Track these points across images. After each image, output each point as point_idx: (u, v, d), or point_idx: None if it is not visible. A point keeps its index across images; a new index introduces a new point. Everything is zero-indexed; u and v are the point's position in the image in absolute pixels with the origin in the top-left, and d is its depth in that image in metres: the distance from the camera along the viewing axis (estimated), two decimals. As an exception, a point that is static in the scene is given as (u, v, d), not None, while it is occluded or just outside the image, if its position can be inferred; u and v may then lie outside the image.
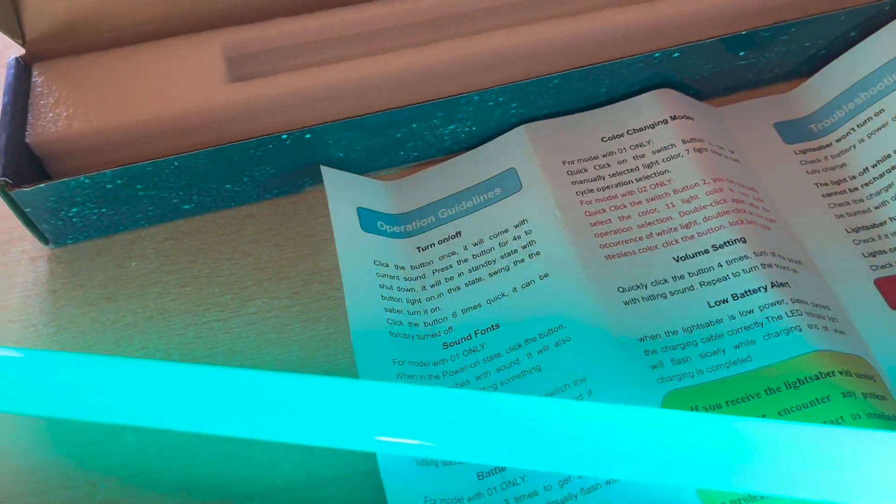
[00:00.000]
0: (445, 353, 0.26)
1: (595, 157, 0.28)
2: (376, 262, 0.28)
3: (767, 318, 0.24)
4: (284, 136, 0.28)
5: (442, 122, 0.29)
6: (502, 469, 0.23)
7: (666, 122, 0.29)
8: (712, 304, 0.25)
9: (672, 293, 0.25)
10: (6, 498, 0.24)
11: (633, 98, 0.29)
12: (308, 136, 0.28)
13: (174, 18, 0.31)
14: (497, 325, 0.26)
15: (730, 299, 0.25)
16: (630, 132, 0.29)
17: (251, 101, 0.29)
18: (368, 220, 0.29)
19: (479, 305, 0.26)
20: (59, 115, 0.29)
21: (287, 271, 0.28)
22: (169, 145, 0.29)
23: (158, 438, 0.25)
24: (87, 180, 0.27)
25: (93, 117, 0.29)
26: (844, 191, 0.28)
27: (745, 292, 0.25)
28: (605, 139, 0.29)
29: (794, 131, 0.30)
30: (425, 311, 0.27)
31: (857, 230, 0.27)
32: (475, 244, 0.28)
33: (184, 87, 0.30)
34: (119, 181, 0.28)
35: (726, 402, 0.23)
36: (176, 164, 0.28)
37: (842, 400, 0.22)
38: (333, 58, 0.30)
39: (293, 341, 0.27)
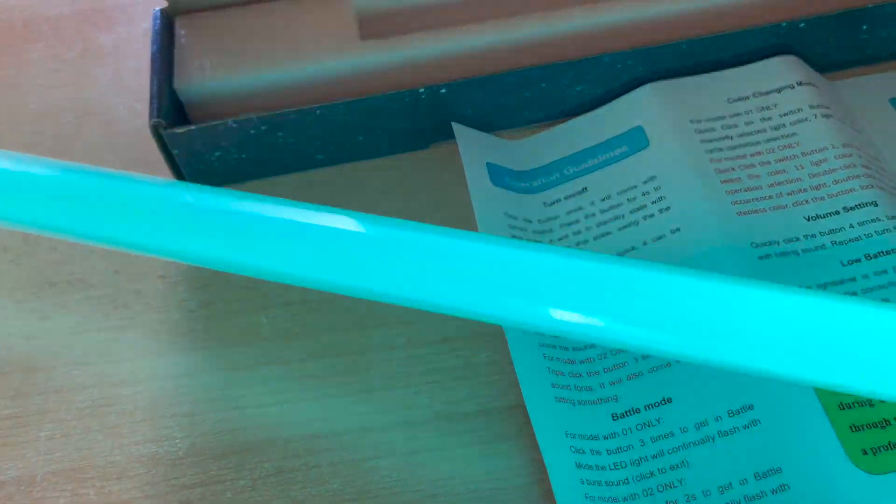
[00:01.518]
0: (576, 302, 0.27)
1: (722, 118, 0.29)
2: (507, 215, 0.28)
3: (901, 277, 0.25)
4: (421, 91, 0.29)
5: (570, 83, 0.30)
6: (637, 410, 0.24)
7: (793, 87, 0.29)
8: (845, 263, 0.25)
9: (805, 250, 0.26)
10: (161, 418, 0.25)
11: (758, 63, 0.30)
12: (443, 90, 0.29)
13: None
14: (627, 278, 0.27)
15: (863, 259, 0.25)
16: (756, 95, 0.29)
17: (385, 58, 0.30)
18: (497, 175, 0.30)
19: (608, 259, 0.27)
20: (203, 65, 0.30)
21: (418, 220, 0.29)
22: (302, 98, 0.30)
23: (298, 367, 0.26)
24: (234, 124, 0.28)
25: (232, 68, 0.30)
26: (965, 164, 0.29)
27: (879, 253, 0.25)
28: (731, 101, 0.29)
29: (912, 106, 0.31)
30: (553, 264, 0.28)
31: (979, 202, 0.28)
32: (603, 199, 0.29)
33: (318, 42, 0.31)
34: (263, 127, 0.29)
35: (862, 355, 0.24)
36: (318, 112, 0.29)
37: (978, 357, 0.23)
38: (464, 19, 0.31)
39: (427, 286, 0.28)
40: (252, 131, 0.29)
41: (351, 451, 0.24)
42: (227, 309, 0.28)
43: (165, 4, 0.32)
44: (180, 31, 0.31)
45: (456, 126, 0.30)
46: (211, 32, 0.31)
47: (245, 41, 0.31)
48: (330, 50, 0.31)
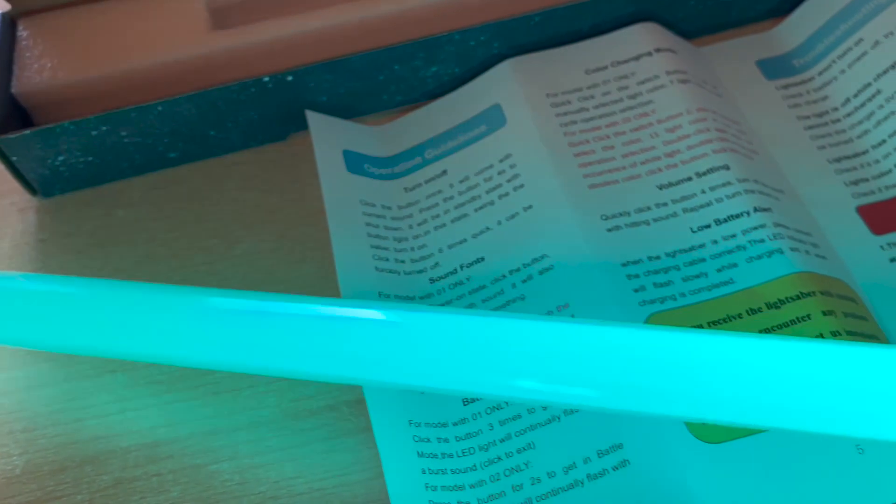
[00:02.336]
0: (432, 287, 0.26)
1: (579, 90, 0.28)
2: (363, 202, 0.28)
3: (750, 241, 0.24)
4: (266, 79, 0.28)
5: (424, 64, 0.29)
6: (488, 395, 0.23)
7: (650, 54, 0.29)
8: (695, 230, 0.25)
9: (655, 220, 0.25)
10: (-2, 436, 0.24)
11: (618, 31, 0.29)
12: (290, 78, 0.28)
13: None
14: (482, 258, 0.26)
15: (713, 224, 0.25)
16: (614, 64, 0.29)
17: (235, 48, 0.29)
18: (354, 162, 0.29)
19: (465, 240, 0.27)
20: (43, 67, 0.29)
21: (273, 215, 0.28)
22: (156, 94, 0.29)
23: (144, 372, 0.25)
24: (71, 126, 0.27)
25: (77, 68, 0.29)
26: (826, 122, 0.28)
27: (728, 217, 0.25)
28: (589, 71, 0.29)
29: (775, 68, 0.30)
30: (412, 249, 0.27)
31: (839, 160, 0.28)
32: (461, 181, 0.28)
33: (168, 36, 0.30)
34: (104, 127, 0.28)
35: (708, 323, 0.23)
36: (160, 108, 0.28)
37: (822, 318, 0.22)
38: (316, 4, 0.30)
39: (279, 281, 0.27)
40: (93, 132, 0.28)
41: (193, 456, 0.24)
42: (72, 318, 0.27)
43: (8, 7, 0.31)
44: (22, 32, 0.30)
45: (309, 114, 0.29)
46: (55, 32, 0.30)
47: (91, 39, 0.30)
48: (179, 43, 0.30)
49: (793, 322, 0.23)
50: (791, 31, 0.31)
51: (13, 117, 0.28)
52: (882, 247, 0.26)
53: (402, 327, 0.19)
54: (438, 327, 0.19)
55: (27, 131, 0.27)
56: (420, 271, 0.26)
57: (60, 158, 0.28)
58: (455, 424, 0.23)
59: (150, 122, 0.28)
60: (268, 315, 0.20)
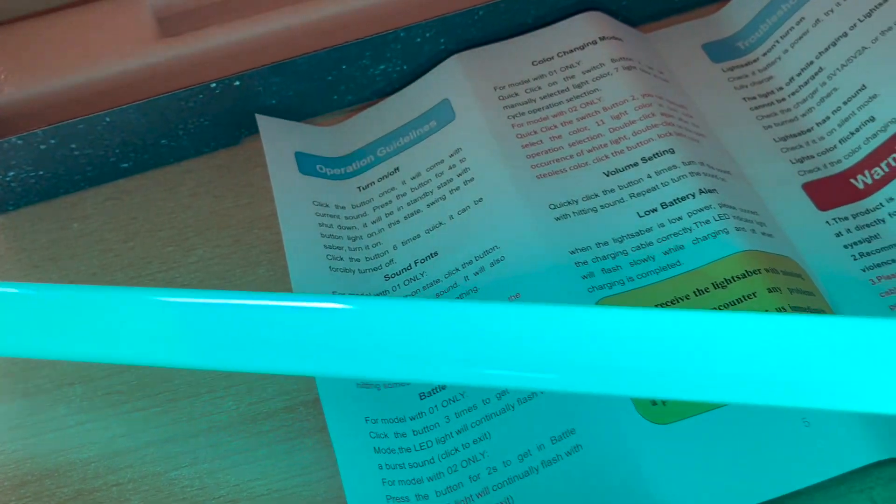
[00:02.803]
0: (387, 284, 0.26)
1: (526, 81, 0.28)
2: (315, 203, 0.28)
3: (696, 223, 0.24)
4: (214, 85, 0.28)
5: (372, 62, 0.29)
6: (443, 387, 0.24)
7: (595, 42, 0.29)
8: (642, 214, 0.25)
9: (603, 206, 0.25)
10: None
11: (563, 21, 0.30)
12: (237, 83, 0.28)
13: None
14: (435, 253, 0.26)
15: (659, 208, 0.25)
16: (560, 54, 0.29)
17: (183, 56, 0.29)
18: (307, 163, 0.29)
19: (419, 236, 0.27)
20: (-11, 82, 0.29)
21: (227, 220, 0.29)
22: (106, 105, 0.29)
23: (102, 383, 0.25)
24: (19, 141, 0.27)
25: (25, 82, 0.29)
26: (772, 102, 0.29)
27: (674, 200, 0.25)
28: (535, 63, 0.29)
29: (721, 50, 0.31)
30: (367, 247, 0.27)
31: (784, 139, 0.28)
32: (413, 178, 0.28)
33: (116, 46, 0.30)
34: (52, 140, 0.28)
35: (656, 306, 0.23)
36: (108, 119, 0.28)
37: (767, 295, 0.23)
38: (262, 8, 0.30)
39: (234, 286, 0.27)
40: (42, 146, 0.28)
41: (153, 464, 0.24)
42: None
43: (-48, 24, 0.30)
44: (-32, 49, 0.30)
45: (259, 117, 0.29)
46: (5, 47, 0.30)
47: (38, 52, 0.30)
48: (126, 53, 0.30)
49: (739, 300, 0.23)
50: (735, 14, 0.31)
51: (-39, 135, 0.28)
52: (828, 222, 0.26)
53: (357, 315, 0.19)
54: (393, 315, 0.19)
55: (-26, 148, 0.27)
56: (375, 269, 0.27)
57: (10, 174, 0.28)
58: (412, 419, 0.23)
59: (99, 133, 0.28)
60: (223, 308, 0.20)
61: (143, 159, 0.30)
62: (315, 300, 0.19)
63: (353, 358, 0.19)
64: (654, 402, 0.22)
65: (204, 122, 0.29)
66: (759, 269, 0.23)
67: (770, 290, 0.23)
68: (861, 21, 0.27)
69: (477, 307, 0.19)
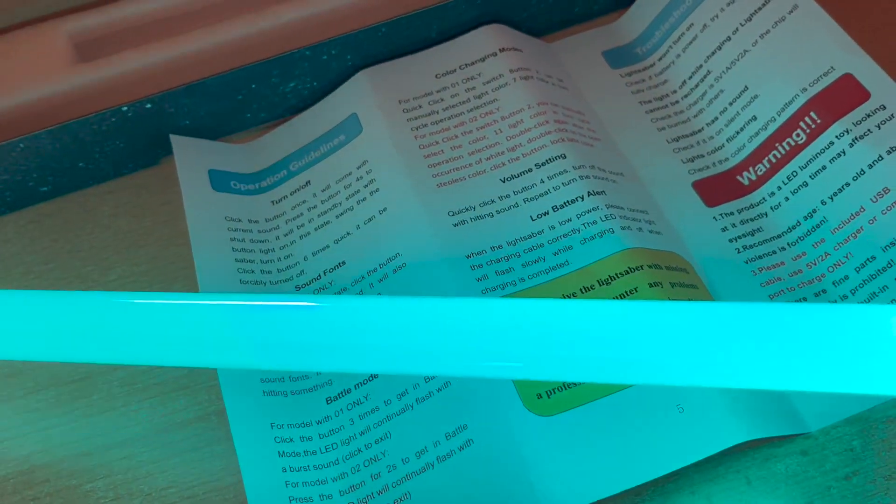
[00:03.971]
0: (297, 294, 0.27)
1: (430, 94, 0.30)
2: (228, 219, 0.29)
3: (584, 224, 0.26)
4: (125, 108, 0.29)
5: (281, 80, 0.30)
6: (348, 391, 0.25)
7: (495, 54, 0.30)
8: (534, 218, 0.26)
9: (498, 211, 0.27)
10: None
11: (465, 34, 0.31)
12: (149, 105, 0.29)
13: (19, 10, 0.32)
14: (343, 263, 0.27)
15: (550, 211, 0.26)
16: (462, 67, 0.30)
17: (99, 81, 0.30)
18: (220, 180, 0.30)
19: (328, 247, 0.28)
20: None
21: (145, 238, 0.29)
22: (23, 131, 0.30)
23: (20, 402, 0.26)
24: (-66, 170, 0.28)
25: (-58, 112, 0.30)
26: (666, 105, 0.30)
27: (564, 203, 0.26)
28: (439, 76, 0.30)
29: (620, 57, 0.32)
30: (279, 259, 0.28)
31: (677, 139, 0.29)
32: (323, 190, 0.29)
33: (32, 73, 0.30)
34: (-32, 168, 0.28)
35: (547, 304, 0.25)
36: (21, 146, 0.28)
37: (649, 290, 0.24)
38: (175, 32, 0.31)
39: (152, 301, 0.28)
40: (-42, 173, 0.28)
41: (69, 477, 0.24)
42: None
43: None
44: None
45: (173, 137, 0.30)
46: (-80, 79, 0.31)
47: (-45, 83, 0.31)
48: (42, 79, 0.30)
49: (622, 296, 0.24)
50: (633, 21, 0.32)
51: None
52: (715, 218, 0.27)
53: (322, 312, 0.20)
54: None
55: None
56: (286, 280, 0.28)
57: (-70, 202, 0.29)
58: (318, 423, 0.24)
59: (14, 158, 0.29)
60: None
61: (62, 182, 0.30)
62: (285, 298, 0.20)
63: (327, 353, 0.20)
64: (539, 396, 0.23)
65: (119, 145, 0.30)
66: (641, 266, 0.25)
67: (651, 285, 0.24)
68: (742, 25, 0.29)
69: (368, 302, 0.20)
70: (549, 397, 0.23)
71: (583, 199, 0.26)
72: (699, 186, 0.28)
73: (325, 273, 0.27)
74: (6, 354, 0.22)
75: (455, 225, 0.26)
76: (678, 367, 0.18)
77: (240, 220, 0.29)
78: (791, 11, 0.28)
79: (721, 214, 0.27)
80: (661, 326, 0.18)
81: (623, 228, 0.25)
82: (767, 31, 0.28)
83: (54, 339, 0.21)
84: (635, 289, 0.24)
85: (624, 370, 0.18)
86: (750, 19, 0.29)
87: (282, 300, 0.20)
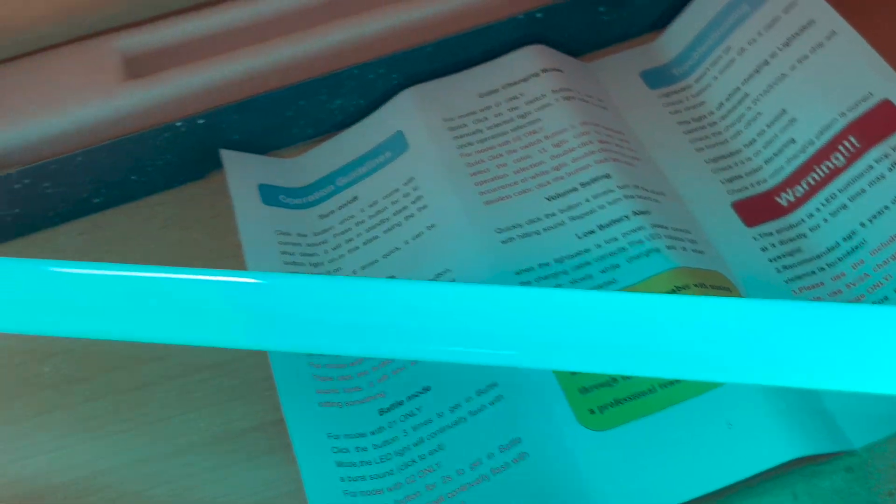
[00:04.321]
0: (346, 307, 0.28)
1: (474, 113, 0.30)
2: (278, 232, 0.29)
3: (630, 242, 0.26)
4: (179, 124, 0.30)
5: (329, 98, 0.31)
6: (401, 402, 0.25)
7: (537, 74, 0.31)
8: (581, 236, 0.27)
9: (545, 229, 0.27)
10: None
11: (508, 55, 0.32)
12: (201, 121, 0.30)
13: (71, 26, 0.33)
14: (393, 277, 0.28)
15: (596, 230, 0.27)
16: (505, 86, 0.31)
17: (149, 96, 0.31)
18: (270, 194, 0.30)
19: (376, 261, 0.29)
20: (-36, 126, 0.30)
21: (196, 251, 0.30)
22: (75, 145, 0.31)
23: (80, 410, 0.26)
24: (-6, 182, 0.29)
25: (-2, 125, 0.31)
26: (704, 126, 0.31)
27: (610, 222, 0.27)
28: (482, 95, 0.31)
29: (658, 77, 0.33)
30: (328, 273, 0.29)
31: (715, 160, 0.30)
32: (371, 206, 0.30)
33: (84, 88, 0.31)
34: (26, 181, 0.29)
35: (596, 320, 0.25)
36: (79, 159, 0.29)
37: (697, 307, 0.25)
38: (226, 49, 0.32)
39: (205, 312, 0.28)
40: (16, 185, 0.29)
41: (129, 484, 0.25)
42: (8, 362, 0.28)
43: (-73, 70, 0.32)
44: (-58, 94, 0.32)
45: (224, 152, 0.31)
46: (-25, 92, 0.32)
47: (8, 97, 0.31)
48: (94, 95, 0.31)
49: (670, 314, 0.25)
50: (670, 43, 0.33)
51: (-62, 178, 0.30)
52: (754, 237, 0.28)
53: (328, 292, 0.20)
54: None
55: (-48, 190, 0.28)
56: (336, 293, 0.28)
57: (-13, 213, 0.30)
58: (373, 433, 0.25)
59: (71, 172, 0.29)
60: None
61: (114, 195, 0.31)
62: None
63: (331, 335, 0.20)
64: (591, 411, 0.23)
65: (171, 159, 0.31)
66: (688, 285, 0.25)
67: (698, 304, 0.25)
68: (780, 50, 0.30)
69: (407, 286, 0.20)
70: (601, 412, 0.23)
71: (628, 218, 0.27)
72: (738, 207, 0.29)
73: (374, 287, 0.28)
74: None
75: (503, 242, 0.27)
76: (741, 364, 0.18)
77: (289, 234, 0.30)
78: (829, 38, 0.29)
79: (760, 234, 0.28)
80: (714, 322, 0.19)
81: (669, 248, 0.26)
82: (806, 57, 0.29)
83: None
84: (682, 307, 0.25)
85: (678, 365, 0.19)
86: (787, 44, 0.30)
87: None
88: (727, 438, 0.23)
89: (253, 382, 0.27)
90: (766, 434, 0.22)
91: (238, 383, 0.27)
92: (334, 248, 0.29)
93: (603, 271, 0.26)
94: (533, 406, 0.24)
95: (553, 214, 0.28)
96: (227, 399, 0.26)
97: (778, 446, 0.22)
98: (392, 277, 0.28)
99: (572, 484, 0.23)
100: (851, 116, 0.27)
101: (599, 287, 0.26)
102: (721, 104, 0.31)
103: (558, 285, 0.26)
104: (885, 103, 0.27)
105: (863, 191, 0.27)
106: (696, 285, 0.25)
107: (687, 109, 0.32)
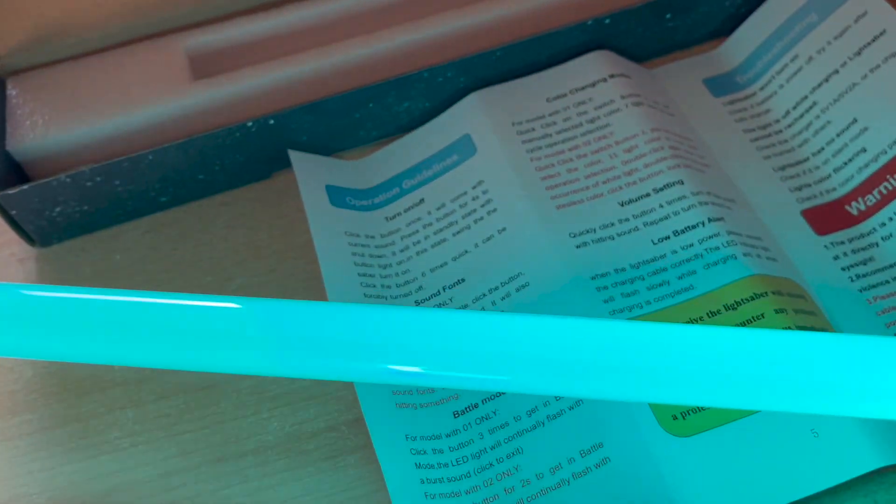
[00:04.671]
0: (417, 309, 0.28)
1: (542, 117, 0.30)
2: (347, 234, 0.29)
3: (706, 249, 0.26)
4: (250, 124, 0.30)
5: (396, 100, 0.31)
6: (475, 405, 0.25)
7: (605, 80, 0.31)
8: (656, 242, 0.27)
9: (619, 234, 0.27)
10: (17, 476, 0.26)
11: (574, 60, 0.32)
12: (272, 121, 0.30)
13: (138, 25, 0.33)
14: (463, 280, 0.28)
15: (671, 236, 0.27)
16: (573, 91, 0.31)
17: (217, 96, 0.31)
18: (337, 196, 0.31)
19: (446, 264, 0.29)
20: (35, 123, 0.31)
21: (262, 251, 0.30)
22: (142, 143, 0.31)
23: (152, 407, 0.27)
24: (67, 179, 0.29)
25: (67, 122, 0.31)
26: (770, 134, 0.31)
27: (685, 228, 0.27)
28: (550, 99, 0.31)
29: (721, 85, 0.33)
30: (396, 275, 0.29)
31: (783, 168, 0.30)
32: (438, 208, 0.30)
33: (151, 87, 0.31)
34: (98, 178, 0.29)
35: (673, 326, 0.25)
36: (150, 157, 0.29)
37: (775, 316, 0.25)
38: (292, 50, 0.32)
39: (274, 312, 0.29)
40: (88, 183, 0.29)
41: (206, 482, 0.25)
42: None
43: (-4, 68, 0.32)
44: (12, 91, 0.32)
45: (292, 153, 0.31)
46: (43, 89, 0.32)
47: (78, 94, 0.32)
48: (162, 94, 0.31)
49: (749, 321, 0.25)
50: (733, 50, 0.33)
51: (9, 172, 0.30)
52: (826, 246, 0.28)
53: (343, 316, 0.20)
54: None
55: (26, 186, 0.29)
56: (406, 295, 0.28)
57: (57, 209, 0.30)
58: (448, 436, 0.25)
59: (141, 170, 0.30)
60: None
61: (181, 193, 0.31)
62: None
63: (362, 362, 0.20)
64: (674, 417, 0.23)
65: (239, 158, 0.31)
66: (766, 292, 0.25)
67: (777, 312, 0.25)
68: (851, 59, 0.30)
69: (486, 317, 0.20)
70: (684, 419, 0.23)
71: (703, 224, 0.27)
72: (808, 215, 0.29)
73: (444, 289, 0.28)
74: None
75: (577, 247, 0.27)
76: (809, 396, 0.19)
77: (358, 235, 0.30)
78: (902, 47, 0.29)
79: (832, 243, 0.28)
80: (790, 354, 0.19)
81: (745, 255, 0.26)
82: (878, 66, 0.29)
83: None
84: (762, 315, 0.25)
85: (756, 397, 0.19)
86: (859, 53, 0.30)
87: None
88: (812, 447, 0.23)
89: (323, 383, 0.27)
90: (852, 443, 0.22)
91: (308, 383, 0.27)
92: (402, 251, 0.29)
93: (680, 277, 0.26)
94: (614, 411, 0.24)
95: (627, 220, 0.28)
96: (301, 399, 0.26)
97: (863, 455, 0.22)
98: (462, 280, 0.28)
99: (655, 490, 0.23)
100: (927, 126, 0.27)
101: (677, 293, 0.26)
102: (788, 112, 0.31)
103: (635, 291, 0.26)
104: (963, 114, 0.27)
105: (939, 201, 0.27)
106: (773, 293, 0.25)
107: (752, 117, 0.32)
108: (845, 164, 0.29)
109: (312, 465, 0.25)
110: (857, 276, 0.27)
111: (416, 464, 0.24)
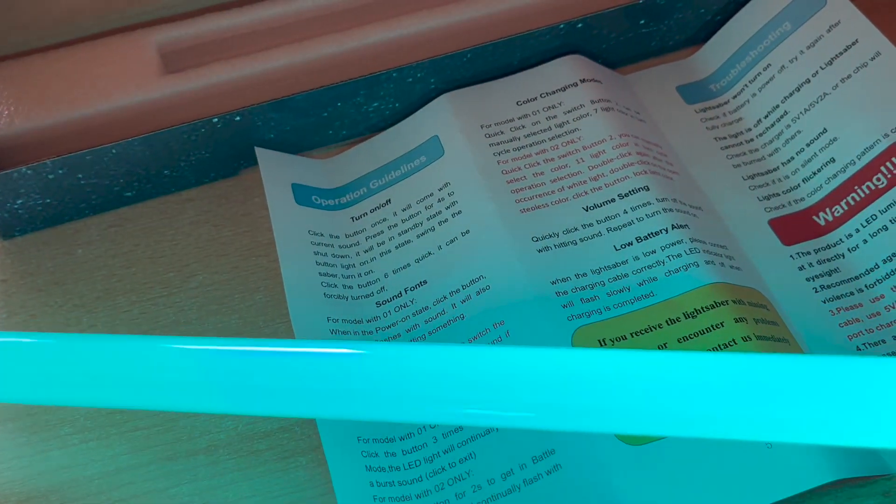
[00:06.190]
0: (378, 310, 0.28)
1: (511, 120, 0.30)
2: (311, 233, 0.29)
3: (668, 256, 0.26)
4: (216, 120, 0.29)
5: (365, 100, 0.31)
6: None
7: (576, 84, 0.31)
8: (618, 248, 0.27)
9: (582, 239, 0.27)
10: None
11: (546, 64, 0.31)
12: (238, 118, 0.30)
13: (110, 18, 0.33)
14: (425, 282, 0.28)
15: (634, 242, 0.27)
16: (543, 95, 0.31)
17: (185, 91, 0.31)
18: (303, 194, 0.30)
19: (409, 265, 0.28)
20: (1, 113, 0.30)
21: (226, 248, 0.30)
22: (110, 137, 0.30)
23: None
24: (28, 171, 0.29)
25: (34, 114, 0.31)
26: (741, 142, 0.31)
27: (648, 235, 0.27)
28: (520, 103, 0.31)
29: (694, 92, 0.33)
30: (359, 275, 0.29)
31: (752, 177, 0.30)
32: (404, 209, 0.30)
33: (121, 81, 0.31)
34: (60, 171, 0.29)
35: (631, 334, 0.25)
36: (114, 151, 0.29)
37: (734, 325, 0.24)
38: (264, 46, 0.32)
39: (233, 311, 0.28)
40: (50, 176, 0.29)
41: (154, 481, 0.25)
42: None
43: (-37, 57, 0.32)
44: (-22, 82, 0.31)
45: (258, 150, 0.31)
46: (11, 81, 0.31)
47: (46, 86, 0.31)
48: (132, 87, 0.31)
49: (708, 329, 0.25)
50: (707, 58, 0.33)
51: (-28, 164, 0.29)
52: (792, 256, 0.28)
53: (350, 361, 0.20)
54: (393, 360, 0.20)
55: (-15, 177, 0.28)
56: (367, 296, 0.28)
57: (19, 202, 0.29)
58: (402, 439, 0.25)
59: (105, 164, 0.29)
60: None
61: (146, 189, 0.31)
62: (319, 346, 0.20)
63: (344, 401, 0.20)
64: (628, 425, 0.23)
65: (205, 154, 0.30)
66: (726, 301, 0.25)
67: (737, 320, 0.25)
68: (822, 69, 0.30)
69: (461, 350, 0.20)
70: (637, 426, 0.23)
71: (667, 231, 0.27)
72: (775, 224, 0.29)
73: (405, 291, 0.28)
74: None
75: (539, 251, 0.27)
76: (762, 422, 0.18)
77: (321, 235, 0.29)
78: (873, 58, 0.28)
79: (798, 253, 0.28)
80: (756, 378, 0.18)
81: (707, 263, 0.26)
82: (849, 76, 0.29)
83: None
84: (721, 323, 0.24)
85: (707, 426, 0.18)
86: (830, 63, 0.29)
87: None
88: (766, 459, 0.22)
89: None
90: (806, 456, 0.22)
91: (266, 383, 0.26)
92: (366, 251, 0.29)
93: (640, 284, 0.26)
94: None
95: (590, 225, 0.27)
96: (255, 398, 0.26)
97: (817, 469, 0.22)
98: (424, 282, 0.28)
99: (605, 498, 0.22)
100: (895, 138, 0.27)
101: (637, 299, 0.26)
102: (759, 121, 0.31)
103: (595, 297, 0.26)
104: (930, 126, 0.27)
105: (905, 213, 0.26)
106: (733, 301, 0.25)
107: (724, 125, 0.31)
108: (814, 174, 0.29)
109: (263, 465, 0.25)
110: (822, 287, 0.27)
111: (366, 466, 0.24)
